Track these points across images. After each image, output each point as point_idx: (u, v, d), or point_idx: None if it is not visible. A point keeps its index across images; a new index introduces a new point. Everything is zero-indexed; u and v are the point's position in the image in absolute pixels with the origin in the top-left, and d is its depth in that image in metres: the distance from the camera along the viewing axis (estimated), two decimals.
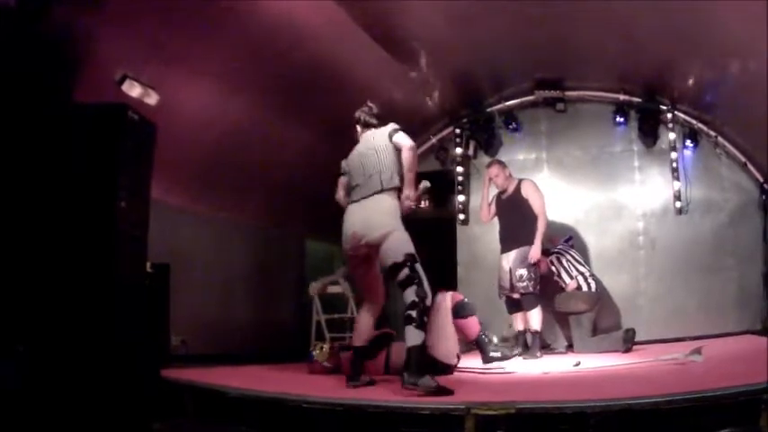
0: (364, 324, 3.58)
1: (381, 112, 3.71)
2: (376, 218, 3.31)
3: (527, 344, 5.46)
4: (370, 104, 3.73)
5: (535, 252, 5.35)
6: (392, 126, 3.53)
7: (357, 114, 3.70)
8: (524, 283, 5.33)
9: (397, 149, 3.44)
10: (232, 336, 5.79)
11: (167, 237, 4.66)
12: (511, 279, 5.43)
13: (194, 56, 4.54)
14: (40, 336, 2.92)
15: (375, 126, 3.62)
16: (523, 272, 5.33)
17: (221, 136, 5.31)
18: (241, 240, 6.24)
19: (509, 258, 5.49)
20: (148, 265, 3.84)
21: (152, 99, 4.25)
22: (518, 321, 5.60)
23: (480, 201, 6.04)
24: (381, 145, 3.48)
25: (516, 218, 5.56)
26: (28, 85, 3.27)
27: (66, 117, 3.29)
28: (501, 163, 5.88)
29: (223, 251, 5.92)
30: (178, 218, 5.20)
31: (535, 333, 5.35)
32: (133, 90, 4.15)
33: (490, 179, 5.82)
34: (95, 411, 2.80)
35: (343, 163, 3.67)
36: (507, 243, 5.59)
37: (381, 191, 3.36)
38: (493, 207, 5.84)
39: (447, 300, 4.09)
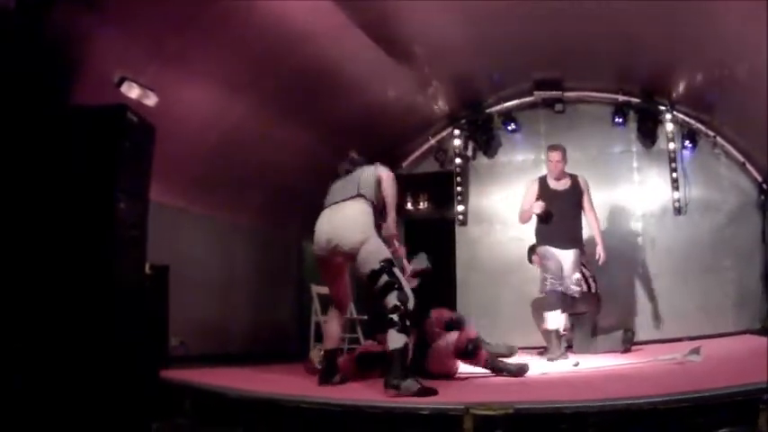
0: (334, 327, 3.69)
1: (361, 159, 3.73)
2: (350, 224, 3.32)
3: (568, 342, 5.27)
4: (352, 155, 3.75)
5: (603, 251, 5.23)
6: (378, 165, 3.58)
7: (339, 168, 3.70)
8: (578, 288, 5.16)
9: (378, 180, 3.49)
10: (231, 337, 5.79)
11: (167, 238, 4.66)
12: (564, 276, 5.10)
13: (193, 57, 4.54)
14: (40, 337, 2.92)
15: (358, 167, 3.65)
16: (579, 275, 5.18)
17: (220, 137, 5.30)
18: (240, 242, 6.23)
19: (569, 258, 5.14)
20: (147, 266, 3.84)
21: (151, 100, 4.25)
22: (556, 320, 5.10)
23: (523, 200, 5.33)
24: (365, 174, 3.53)
25: (574, 214, 5.27)
26: (27, 87, 3.27)
27: (65, 119, 3.29)
28: (564, 149, 5.35)
29: (222, 252, 5.92)
30: (177, 219, 5.20)
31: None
32: (132, 92, 4.14)
33: (551, 163, 5.27)
34: (94, 412, 2.80)
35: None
36: (566, 241, 5.16)
37: (357, 196, 3.38)
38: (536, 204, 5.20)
39: (450, 344, 3.67)
